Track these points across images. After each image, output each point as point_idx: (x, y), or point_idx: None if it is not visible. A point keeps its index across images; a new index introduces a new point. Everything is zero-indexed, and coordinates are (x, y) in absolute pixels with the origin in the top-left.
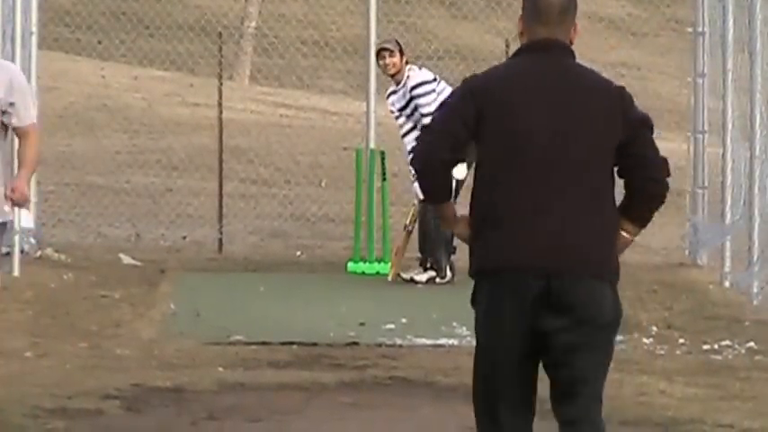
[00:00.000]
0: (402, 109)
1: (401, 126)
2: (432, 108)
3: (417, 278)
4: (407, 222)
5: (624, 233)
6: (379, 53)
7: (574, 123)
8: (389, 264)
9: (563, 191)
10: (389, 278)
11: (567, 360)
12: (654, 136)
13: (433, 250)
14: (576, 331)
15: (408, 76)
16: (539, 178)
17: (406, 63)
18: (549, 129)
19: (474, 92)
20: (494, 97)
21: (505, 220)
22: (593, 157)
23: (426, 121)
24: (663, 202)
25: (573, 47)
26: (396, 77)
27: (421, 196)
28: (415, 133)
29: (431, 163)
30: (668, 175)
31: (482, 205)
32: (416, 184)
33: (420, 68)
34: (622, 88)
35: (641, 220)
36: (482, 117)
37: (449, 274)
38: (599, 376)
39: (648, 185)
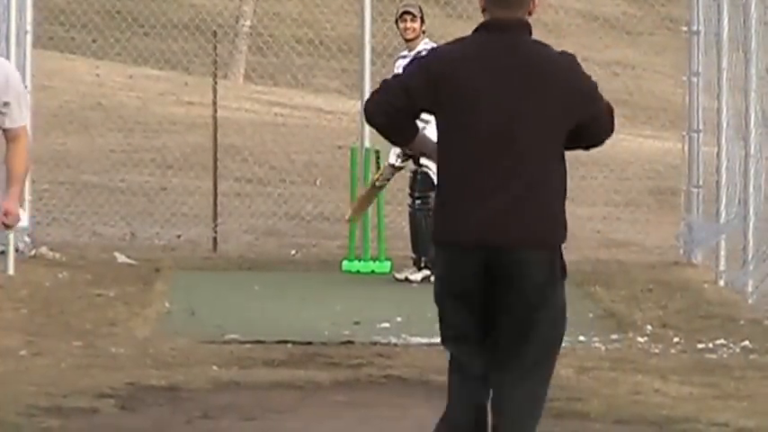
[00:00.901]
0: None
1: None
2: None
3: (412, 277)
4: (375, 178)
5: None
6: (401, 15)
7: (525, 103)
8: (385, 262)
9: (511, 169)
10: (346, 217)
11: (509, 330)
12: (602, 106)
13: (425, 249)
14: (516, 303)
15: (421, 50)
16: (488, 157)
17: (424, 32)
18: (501, 109)
19: (430, 68)
20: (449, 76)
21: (455, 197)
22: (542, 135)
23: None
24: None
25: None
26: (411, 43)
27: (391, 160)
28: None
29: (371, 122)
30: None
31: (440, 179)
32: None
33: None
34: (574, 62)
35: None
36: (436, 95)
37: None
38: (541, 349)
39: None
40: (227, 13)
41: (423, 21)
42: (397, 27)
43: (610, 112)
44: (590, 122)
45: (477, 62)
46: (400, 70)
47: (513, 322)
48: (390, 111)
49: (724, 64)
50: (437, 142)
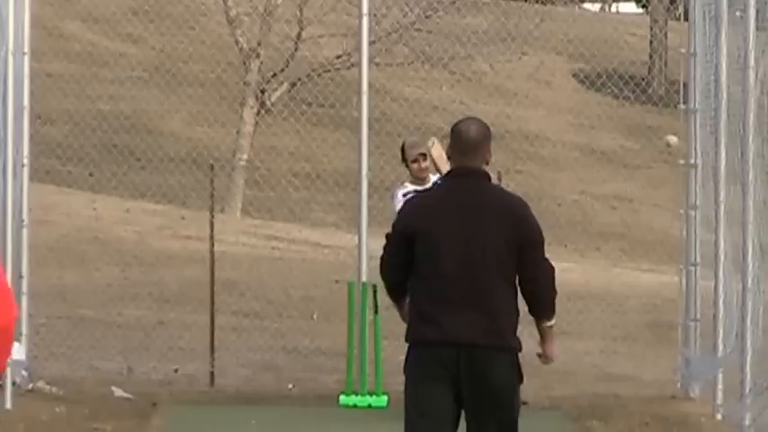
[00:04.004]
0: None
1: None
2: None
3: None
4: None
5: (540, 326)
6: (415, 159)
7: (475, 233)
8: (382, 396)
9: (465, 287)
10: None
11: (474, 415)
12: (542, 252)
13: None
14: (479, 391)
15: (435, 181)
16: (443, 279)
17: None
18: (457, 238)
19: (405, 216)
20: (418, 218)
21: (424, 310)
22: (491, 259)
23: None
24: (548, 302)
25: (488, 168)
26: (424, 181)
27: None
28: None
29: (386, 282)
30: (550, 281)
31: (412, 295)
32: None
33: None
34: (520, 206)
35: (540, 315)
36: (412, 234)
37: None
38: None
39: (527, 291)
40: (223, 147)
41: (429, 156)
42: (407, 167)
43: (551, 267)
44: (527, 247)
45: (440, 203)
46: (400, 201)
47: (475, 409)
48: (404, 265)
49: (721, 197)
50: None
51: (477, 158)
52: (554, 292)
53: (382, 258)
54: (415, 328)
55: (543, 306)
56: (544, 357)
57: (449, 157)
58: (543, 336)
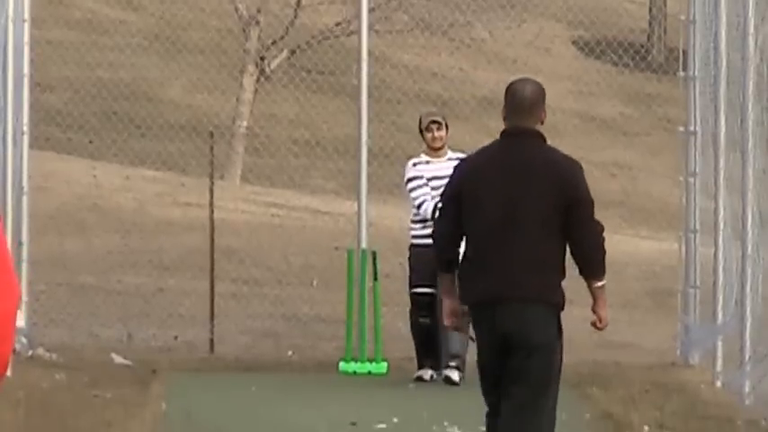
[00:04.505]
0: (432, 179)
1: (423, 195)
2: None
3: (456, 378)
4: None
5: (591, 287)
6: (428, 126)
7: (519, 193)
8: (381, 363)
9: (505, 245)
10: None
11: (515, 367)
12: (590, 213)
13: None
14: (519, 345)
15: (451, 157)
16: (485, 237)
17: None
18: (499, 197)
19: (456, 175)
20: (469, 178)
21: (472, 270)
22: (533, 218)
23: None
24: (596, 261)
25: (543, 129)
26: (437, 152)
27: None
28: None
29: (441, 235)
30: (598, 241)
31: (464, 255)
32: None
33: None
34: (568, 167)
35: (588, 275)
36: (459, 191)
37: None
38: (541, 384)
39: (575, 251)
40: (223, 115)
41: (447, 129)
42: (423, 136)
43: (599, 226)
44: (573, 207)
45: (490, 163)
46: (422, 173)
47: (514, 364)
48: (457, 222)
49: (721, 164)
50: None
51: (530, 118)
52: (602, 251)
53: (439, 208)
54: (462, 289)
55: (591, 266)
56: (598, 321)
57: (504, 118)
58: (594, 297)
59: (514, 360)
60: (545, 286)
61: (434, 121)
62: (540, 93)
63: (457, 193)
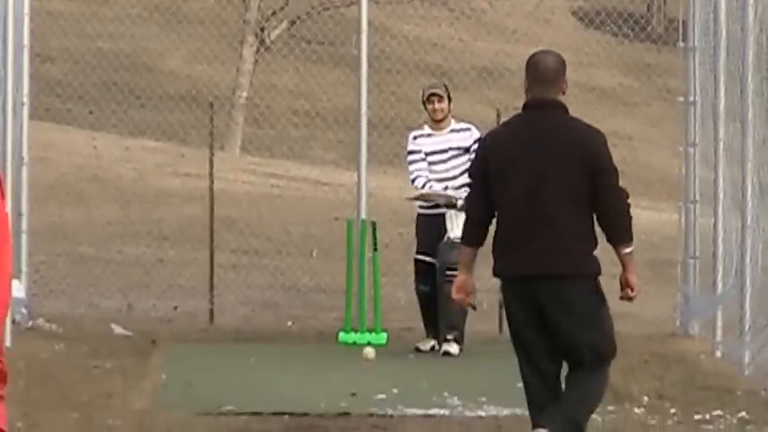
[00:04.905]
0: (431, 153)
1: (417, 170)
2: None
3: (454, 351)
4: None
5: (619, 254)
6: (428, 97)
7: (543, 164)
8: (381, 333)
9: (534, 217)
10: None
11: (564, 340)
12: (615, 181)
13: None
14: (564, 318)
15: (454, 129)
16: (516, 212)
17: (450, 112)
18: (525, 169)
19: (482, 148)
20: (495, 154)
21: (504, 244)
22: (559, 188)
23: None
24: (623, 227)
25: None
26: (439, 123)
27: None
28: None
29: (472, 219)
30: (624, 207)
31: (496, 229)
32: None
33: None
34: (591, 136)
35: (616, 241)
36: (485, 165)
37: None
38: (593, 352)
39: (602, 219)
40: (223, 85)
41: (450, 100)
42: (425, 108)
43: (624, 193)
44: (598, 176)
45: (515, 138)
46: (421, 148)
47: (563, 337)
48: (488, 201)
49: (721, 134)
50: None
51: (553, 89)
52: (628, 217)
53: (468, 186)
54: (495, 263)
55: (618, 232)
56: (628, 288)
57: (526, 90)
58: (624, 264)
59: (561, 334)
60: (581, 257)
61: (434, 94)
62: (562, 63)
63: (483, 169)
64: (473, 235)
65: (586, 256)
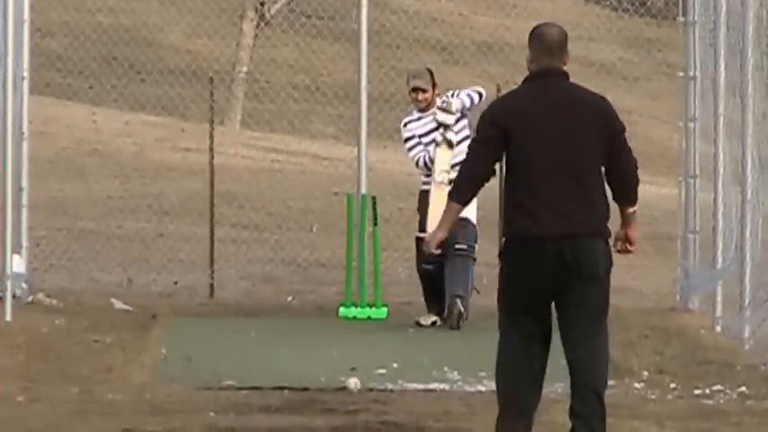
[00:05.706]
0: (423, 135)
1: (414, 156)
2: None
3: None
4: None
5: (625, 212)
6: (413, 90)
7: (569, 131)
8: (381, 308)
9: (567, 180)
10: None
11: (576, 299)
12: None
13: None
14: (585, 276)
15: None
16: (544, 175)
17: (438, 95)
18: (552, 136)
19: (495, 117)
20: (514, 116)
21: (529, 204)
22: (586, 152)
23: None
24: (634, 188)
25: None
26: (425, 110)
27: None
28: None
29: (470, 176)
30: (635, 169)
31: (509, 193)
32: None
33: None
34: (604, 101)
35: (626, 202)
36: (506, 133)
37: (431, 318)
38: (603, 311)
39: (616, 179)
40: (223, 60)
41: (434, 86)
42: (410, 95)
43: (634, 158)
44: (616, 138)
45: (533, 101)
46: (413, 132)
47: (573, 296)
48: (490, 162)
49: (720, 109)
50: (507, 166)
51: (558, 59)
52: (638, 179)
53: (469, 148)
54: (517, 223)
55: (630, 192)
56: (628, 243)
57: (530, 61)
58: (628, 221)
59: (575, 292)
60: (601, 219)
61: (416, 88)
62: (565, 35)
63: (492, 135)
64: (469, 192)
65: (605, 219)
